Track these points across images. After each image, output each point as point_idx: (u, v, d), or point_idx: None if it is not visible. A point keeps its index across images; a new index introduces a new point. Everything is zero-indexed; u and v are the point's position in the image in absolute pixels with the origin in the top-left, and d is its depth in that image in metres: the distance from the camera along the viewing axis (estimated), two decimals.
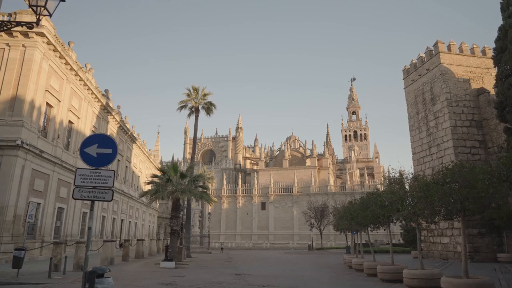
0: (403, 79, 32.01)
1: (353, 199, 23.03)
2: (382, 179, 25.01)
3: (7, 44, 22.01)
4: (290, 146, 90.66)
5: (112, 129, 37.28)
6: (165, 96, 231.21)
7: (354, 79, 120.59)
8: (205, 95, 34.71)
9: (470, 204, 8.48)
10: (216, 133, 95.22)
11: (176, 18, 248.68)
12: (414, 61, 30.45)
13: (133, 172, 46.29)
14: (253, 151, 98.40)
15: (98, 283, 5.67)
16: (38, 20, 5.72)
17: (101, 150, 6.64)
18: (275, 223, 73.05)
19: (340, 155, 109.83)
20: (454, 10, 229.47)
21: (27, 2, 5.79)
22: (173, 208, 23.91)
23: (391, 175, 14.68)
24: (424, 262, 11.97)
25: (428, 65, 28.16)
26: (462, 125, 25.57)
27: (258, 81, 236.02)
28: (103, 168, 6.68)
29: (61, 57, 25.01)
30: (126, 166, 43.06)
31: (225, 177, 79.10)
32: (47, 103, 24.13)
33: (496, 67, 21.96)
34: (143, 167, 52.01)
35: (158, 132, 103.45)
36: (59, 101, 25.58)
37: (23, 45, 22.04)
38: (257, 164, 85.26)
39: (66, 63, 25.85)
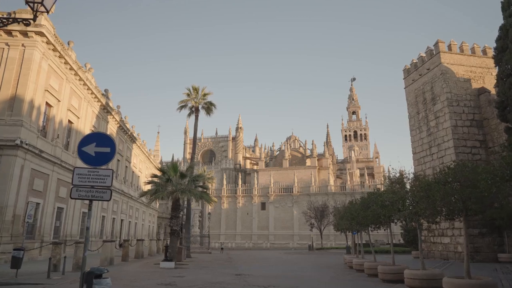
0: (403, 78, 31.95)
1: (353, 199, 22.95)
2: (382, 179, 24.93)
3: (7, 44, 21.95)
4: (290, 146, 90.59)
5: (112, 129, 37.21)
6: (165, 96, 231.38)
7: (354, 79, 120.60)
8: (205, 95, 34.64)
9: (472, 204, 8.41)
10: (216, 133, 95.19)
11: (177, 18, 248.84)
12: (414, 61, 30.39)
13: (133, 172, 46.23)
14: (253, 151, 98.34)
15: (96, 284, 5.59)
16: (35, 16, 5.66)
17: (99, 149, 6.56)
18: (275, 223, 72.98)
19: (340, 155, 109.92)
20: (455, 9, 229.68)
21: None
22: (173, 208, 23.84)
23: (391, 175, 14.61)
24: (424, 262, 11.89)
25: (429, 64, 28.09)
26: (462, 125, 25.50)
27: (258, 81, 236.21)
28: (102, 167, 6.60)
29: (60, 56, 24.94)
30: (126, 166, 43.00)
31: (225, 177, 79.03)
32: (47, 103, 24.06)
33: (497, 67, 21.90)
34: (143, 167, 51.95)
35: (158, 132, 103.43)
36: (59, 101, 25.51)
37: (23, 45, 21.97)
38: (257, 164, 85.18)
39: (66, 62, 25.78)
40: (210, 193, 42.89)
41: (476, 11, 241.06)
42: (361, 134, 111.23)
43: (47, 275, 13.32)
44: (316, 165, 78.71)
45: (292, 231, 71.33)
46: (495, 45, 21.86)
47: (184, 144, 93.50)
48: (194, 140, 35.19)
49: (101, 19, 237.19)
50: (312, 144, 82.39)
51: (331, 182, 79.60)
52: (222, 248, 48.90)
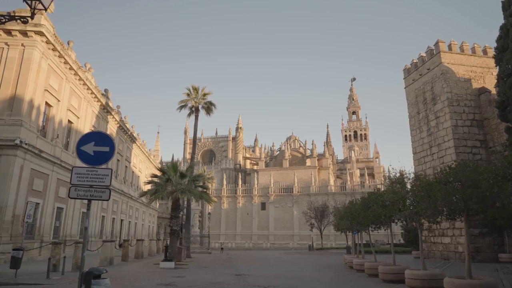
0: (403, 78, 31.91)
1: (354, 199, 22.91)
2: (383, 179, 24.90)
3: (6, 43, 21.90)
4: (290, 146, 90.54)
5: (111, 128, 37.17)
6: (165, 96, 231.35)
7: (354, 79, 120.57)
8: (205, 94, 34.60)
9: (474, 204, 8.36)
10: (216, 133, 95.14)
11: (176, 18, 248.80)
12: (415, 61, 30.35)
13: (133, 172, 46.19)
14: (253, 151, 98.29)
15: (95, 284, 5.55)
16: (33, 14, 5.62)
17: (98, 148, 6.50)
18: (275, 223, 72.92)
19: (340, 155, 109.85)
20: (454, 10, 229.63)
21: None
22: (172, 208, 23.80)
23: (391, 175, 14.57)
24: (425, 262, 11.84)
25: (429, 64, 28.05)
26: (463, 124, 25.46)
27: (258, 81, 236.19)
28: (100, 167, 6.54)
29: (60, 56, 24.89)
30: (126, 166, 42.95)
31: (225, 177, 78.98)
32: (46, 103, 24.01)
33: (498, 66, 21.85)
34: (143, 167, 51.91)
35: (158, 132, 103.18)
36: (58, 101, 25.46)
37: (22, 44, 21.92)
38: (257, 164, 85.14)
39: (66, 62, 25.73)
40: (210, 193, 42.86)
41: (476, 11, 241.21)
42: (361, 134, 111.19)
43: (47, 275, 13.28)
44: (316, 165, 78.67)
45: (292, 231, 71.28)
46: (495, 44, 21.81)
47: (184, 144, 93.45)
48: (194, 140, 35.15)
49: (101, 19, 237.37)
50: (312, 144, 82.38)
51: (331, 182, 79.55)
52: (222, 248, 48.84)
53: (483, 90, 26.22)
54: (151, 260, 24.89)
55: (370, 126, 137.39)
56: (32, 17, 5.68)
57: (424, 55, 28.91)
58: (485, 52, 28.04)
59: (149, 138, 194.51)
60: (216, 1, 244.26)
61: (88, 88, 30.14)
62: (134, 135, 45.18)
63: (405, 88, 31.66)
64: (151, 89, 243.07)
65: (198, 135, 73.80)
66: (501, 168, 7.52)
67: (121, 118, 39.59)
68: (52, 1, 5.69)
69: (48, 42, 22.95)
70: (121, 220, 40.74)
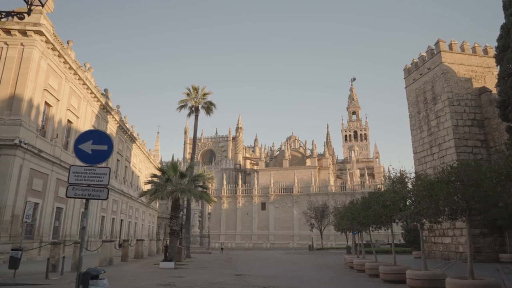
0: (404, 78, 31.84)
1: (354, 199, 22.85)
2: (383, 179, 24.82)
3: (5, 43, 21.84)
4: (290, 146, 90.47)
5: (111, 128, 37.11)
6: (165, 96, 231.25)
7: (354, 79, 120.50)
8: (205, 94, 34.53)
9: (476, 203, 8.30)
10: (216, 133, 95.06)
11: (176, 18, 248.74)
12: (415, 60, 30.28)
13: (132, 172, 46.12)
14: (253, 151, 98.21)
15: (92, 285, 5.47)
16: (30, 10, 5.57)
17: (96, 146, 6.42)
18: (275, 223, 72.85)
19: (340, 155, 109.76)
20: (454, 10, 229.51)
21: None
22: (172, 208, 23.73)
23: (391, 175, 14.49)
24: (426, 262, 11.77)
25: (430, 64, 27.98)
26: (463, 124, 25.39)
27: (258, 81, 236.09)
28: (98, 165, 6.47)
29: (60, 56, 24.82)
30: (126, 166, 42.88)
31: (225, 177, 78.91)
32: (46, 102, 23.94)
33: (498, 66, 21.76)
34: (142, 167, 51.85)
35: (158, 132, 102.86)
36: (58, 100, 25.39)
37: (21, 44, 21.86)
38: (257, 164, 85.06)
39: (65, 62, 25.66)
40: (210, 193, 42.78)
41: (476, 11, 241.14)
42: (361, 134, 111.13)
43: (46, 275, 13.20)
44: (316, 165, 78.59)
45: (292, 231, 71.20)
46: (496, 44, 21.73)
47: (184, 144, 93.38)
48: (194, 140, 35.08)
49: (101, 19, 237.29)
50: (312, 144, 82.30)
51: (331, 182, 79.48)
52: (222, 248, 48.77)
53: (483, 90, 26.15)
54: (151, 260, 24.82)
55: (370, 126, 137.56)
56: (28, 13, 5.64)
57: (425, 54, 28.84)
58: (485, 51, 27.97)
59: (149, 138, 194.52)
60: (216, 1, 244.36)
61: (88, 88, 30.08)
62: (134, 135, 45.12)
63: (405, 87, 31.59)
64: (151, 89, 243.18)
65: (198, 135, 73.74)
66: (504, 167, 7.45)
67: (121, 118, 39.53)
68: None
69: (47, 41, 22.88)
70: (121, 220, 40.66)
